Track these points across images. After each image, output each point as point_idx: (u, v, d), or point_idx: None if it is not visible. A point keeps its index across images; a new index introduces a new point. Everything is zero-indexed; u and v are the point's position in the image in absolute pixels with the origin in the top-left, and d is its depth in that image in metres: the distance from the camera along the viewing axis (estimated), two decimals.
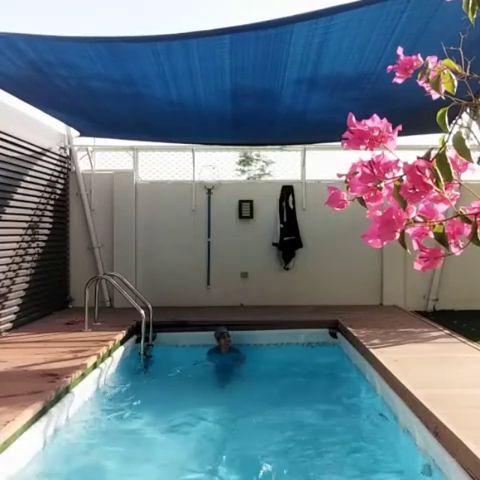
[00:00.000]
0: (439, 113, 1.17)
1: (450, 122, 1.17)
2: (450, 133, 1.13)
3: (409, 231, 1.12)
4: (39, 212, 7.07)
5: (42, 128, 7.15)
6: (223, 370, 5.91)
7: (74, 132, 7.85)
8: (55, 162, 7.60)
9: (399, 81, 1.48)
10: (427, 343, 5.49)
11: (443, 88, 1.32)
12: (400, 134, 1.19)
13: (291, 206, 8.13)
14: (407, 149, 7.20)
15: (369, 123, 1.18)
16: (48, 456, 3.50)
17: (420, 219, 1.12)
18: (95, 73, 4.92)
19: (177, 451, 3.84)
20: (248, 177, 10.24)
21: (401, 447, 3.69)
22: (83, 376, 4.49)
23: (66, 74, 4.98)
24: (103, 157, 8.47)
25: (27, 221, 6.72)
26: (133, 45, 4.38)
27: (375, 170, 1.11)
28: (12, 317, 6.28)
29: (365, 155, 1.16)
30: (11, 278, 6.27)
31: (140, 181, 8.31)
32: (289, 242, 8.06)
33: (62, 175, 7.88)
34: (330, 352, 6.29)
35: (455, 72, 1.32)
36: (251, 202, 8.18)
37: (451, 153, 1.11)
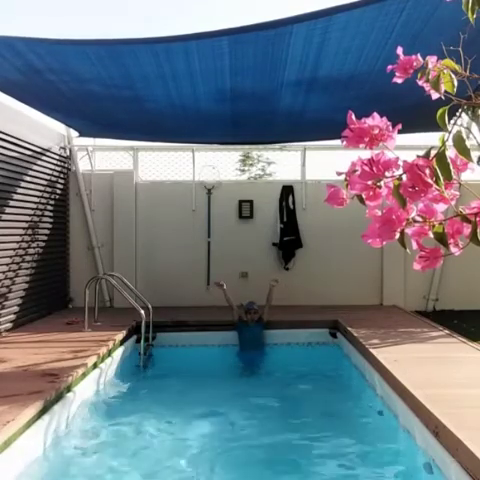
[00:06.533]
0: (439, 112, 1.17)
1: (450, 120, 1.17)
2: (450, 132, 1.13)
3: (408, 231, 1.12)
4: (39, 212, 7.07)
5: (42, 128, 7.15)
6: (252, 339, 6.34)
7: (74, 132, 7.85)
8: (55, 162, 7.60)
9: (399, 81, 1.48)
10: (427, 343, 5.49)
11: (443, 88, 1.32)
12: (400, 132, 1.19)
13: (291, 206, 8.13)
14: (407, 149, 7.19)
15: (369, 121, 1.18)
16: (48, 456, 3.50)
17: (419, 219, 1.12)
18: (95, 75, 4.92)
19: (177, 450, 3.84)
20: (248, 177, 10.24)
21: (401, 447, 3.69)
22: (83, 376, 4.49)
23: (66, 76, 4.98)
24: (103, 157, 8.47)
25: (27, 221, 6.72)
26: (133, 47, 4.39)
27: (375, 168, 1.11)
28: (12, 317, 6.27)
29: (365, 154, 1.16)
30: (11, 278, 6.26)
31: (140, 181, 8.31)
32: (289, 242, 8.06)
33: (62, 175, 7.88)
34: (330, 352, 6.29)
35: (455, 72, 1.32)
36: (251, 202, 8.18)
37: (451, 153, 1.11)
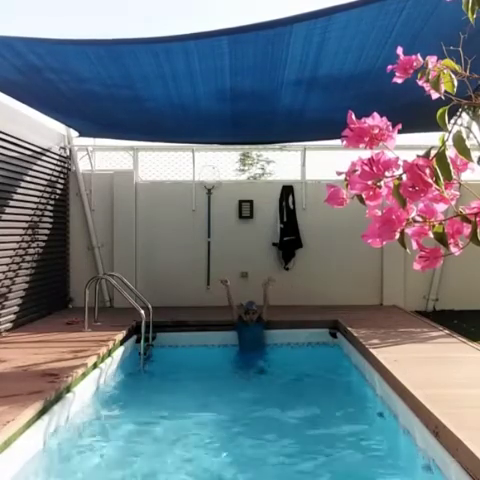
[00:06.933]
0: (439, 112, 1.17)
1: (450, 120, 1.17)
2: (450, 132, 1.13)
3: (408, 231, 1.12)
4: (39, 212, 7.06)
5: (42, 128, 7.15)
6: (251, 339, 6.37)
7: (74, 132, 7.85)
8: (55, 162, 7.60)
9: (399, 81, 1.48)
10: (427, 343, 5.49)
11: (443, 88, 1.32)
12: (400, 132, 1.19)
13: (291, 206, 8.13)
14: (407, 149, 7.18)
15: (369, 121, 1.18)
16: (48, 456, 3.50)
17: (419, 219, 1.11)
18: (94, 74, 4.91)
19: (177, 450, 3.84)
20: (248, 177, 10.24)
21: (401, 447, 3.69)
22: (83, 376, 4.49)
23: (66, 76, 4.98)
24: (103, 157, 8.47)
25: (27, 221, 6.72)
26: (133, 47, 4.39)
27: (375, 168, 1.11)
28: (12, 317, 6.27)
29: (365, 154, 1.16)
30: (11, 278, 6.26)
31: (140, 181, 8.31)
32: (289, 242, 8.06)
33: (62, 175, 7.88)
34: (330, 352, 6.29)
35: (455, 72, 1.31)
36: (251, 202, 8.18)
37: (451, 152, 1.11)
